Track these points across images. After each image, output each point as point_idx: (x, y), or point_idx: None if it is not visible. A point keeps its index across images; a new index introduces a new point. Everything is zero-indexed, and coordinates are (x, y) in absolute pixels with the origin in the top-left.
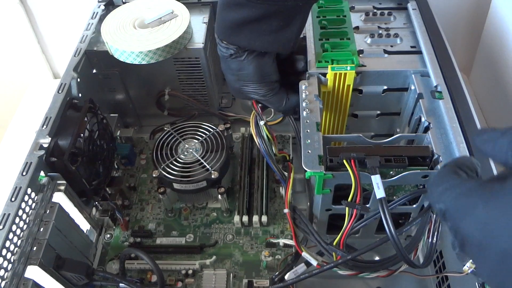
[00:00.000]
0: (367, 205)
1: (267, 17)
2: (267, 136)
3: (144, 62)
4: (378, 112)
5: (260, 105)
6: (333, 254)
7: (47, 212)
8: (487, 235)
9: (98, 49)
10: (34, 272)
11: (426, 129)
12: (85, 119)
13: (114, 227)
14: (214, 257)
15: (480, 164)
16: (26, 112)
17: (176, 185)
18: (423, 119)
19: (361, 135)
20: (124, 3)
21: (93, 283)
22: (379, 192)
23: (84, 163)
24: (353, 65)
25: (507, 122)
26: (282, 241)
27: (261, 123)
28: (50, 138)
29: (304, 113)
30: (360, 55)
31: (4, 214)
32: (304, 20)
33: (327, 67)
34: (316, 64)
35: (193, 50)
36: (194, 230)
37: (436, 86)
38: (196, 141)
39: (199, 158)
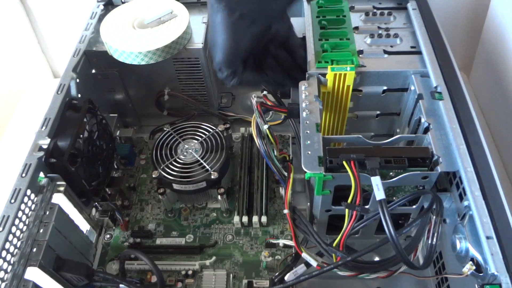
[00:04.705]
0: (367, 206)
1: None
2: (270, 139)
3: (143, 63)
4: (378, 112)
5: (262, 108)
6: (333, 255)
7: (47, 213)
8: None
9: (97, 49)
10: (34, 274)
11: (426, 130)
12: (85, 119)
13: (114, 228)
14: (214, 257)
15: None
16: (25, 112)
17: (175, 186)
18: (423, 120)
19: (361, 136)
20: (123, 3)
21: (93, 284)
22: (379, 194)
23: (84, 163)
24: (353, 65)
25: (507, 122)
26: (282, 242)
27: (265, 127)
28: (49, 139)
29: (304, 114)
30: (360, 55)
31: (4, 216)
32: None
33: (327, 67)
34: (315, 64)
35: (192, 50)
36: (194, 230)
37: (436, 87)
38: (196, 141)
39: (198, 158)
